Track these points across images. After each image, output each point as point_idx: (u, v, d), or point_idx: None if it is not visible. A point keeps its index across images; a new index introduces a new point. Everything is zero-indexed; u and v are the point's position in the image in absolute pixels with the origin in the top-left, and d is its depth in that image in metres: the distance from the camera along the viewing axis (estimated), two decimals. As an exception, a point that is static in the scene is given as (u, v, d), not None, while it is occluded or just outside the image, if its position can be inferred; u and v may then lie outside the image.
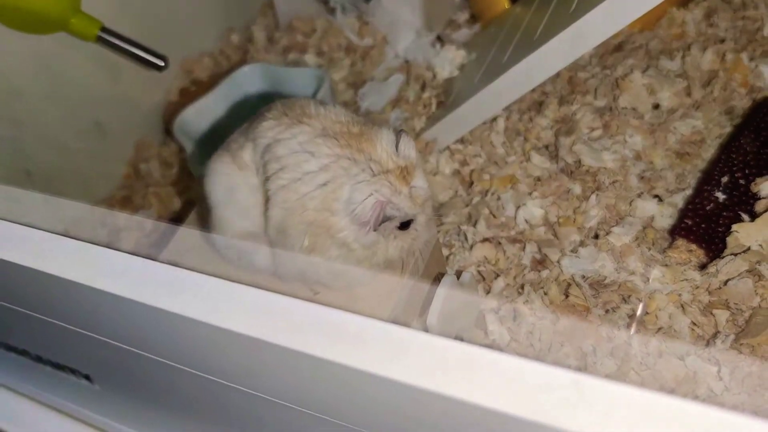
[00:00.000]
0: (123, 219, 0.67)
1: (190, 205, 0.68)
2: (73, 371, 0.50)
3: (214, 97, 0.67)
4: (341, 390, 0.33)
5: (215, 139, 0.67)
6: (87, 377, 0.50)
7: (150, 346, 0.40)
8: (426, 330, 0.44)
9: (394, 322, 0.42)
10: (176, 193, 0.70)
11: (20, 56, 0.62)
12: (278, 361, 0.33)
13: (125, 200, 0.71)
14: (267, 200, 0.43)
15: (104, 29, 0.61)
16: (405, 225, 0.42)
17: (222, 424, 0.47)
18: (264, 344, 0.32)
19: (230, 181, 0.46)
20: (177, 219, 0.67)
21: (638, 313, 0.48)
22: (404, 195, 0.41)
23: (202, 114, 0.66)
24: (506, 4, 0.73)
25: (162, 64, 0.63)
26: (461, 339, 0.47)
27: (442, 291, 0.45)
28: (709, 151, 0.59)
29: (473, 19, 0.79)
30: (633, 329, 0.47)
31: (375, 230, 0.41)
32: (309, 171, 0.42)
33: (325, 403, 0.36)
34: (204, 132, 0.67)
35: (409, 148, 0.42)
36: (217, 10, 0.83)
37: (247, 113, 0.67)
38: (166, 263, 0.37)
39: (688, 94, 0.63)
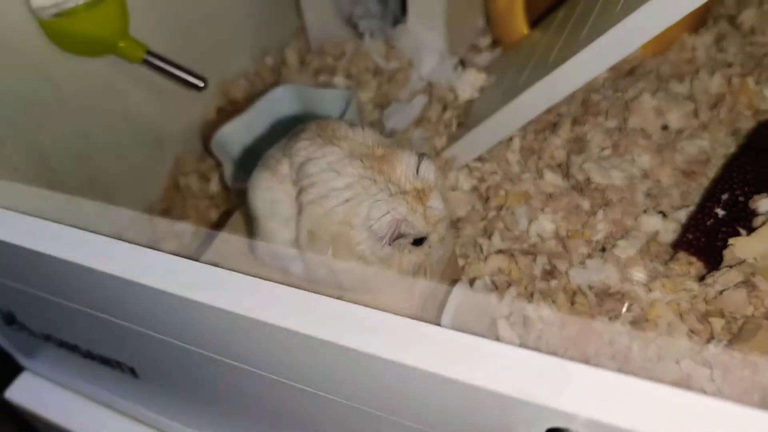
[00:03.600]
0: (163, 227, 0.72)
1: (227, 215, 0.73)
2: (120, 365, 0.55)
3: (249, 116, 0.72)
4: (359, 375, 0.37)
5: (250, 155, 0.72)
6: (132, 371, 0.55)
7: (192, 338, 0.45)
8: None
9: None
10: (213, 206, 0.75)
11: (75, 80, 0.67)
12: (311, 351, 0.38)
13: (165, 212, 0.76)
14: (299, 212, 0.48)
15: (149, 53, 0.66)
16: (419, 242, 0.46)
17: (252, 411, 0.51)
18: (300, 336, 0.37)
19: (272, 195, 0.50)
20: (214, 229, 0.72)
21: (623, 310, 0.52)
22: (419, 214, 0.45)
23: (238, 131, 0.71)
24: (525, 30, 0.77)
25: (201, 85, 0.68)
26: (473, 341, 0.51)
27: (455, 296, 0.50)
28: (713, 170, 0.62)
29: (495, 43, 0.83)
30: (619, 323, 0.50)
31: (390, 245, 0.46)
32: (335, 188, 0.46)
33: (331, 382, 0.40)
34: (240, 148, 0.72)
35: (428, 171, 0.46)
36: (253, 35, 0.89)
37: (280, 131, 0.72)
38: (210, 264, 0.41)
39: (696, 116, 0.66)
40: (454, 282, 0.52)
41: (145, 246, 0.43)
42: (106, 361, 0.56)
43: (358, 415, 0.40)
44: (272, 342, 0.39)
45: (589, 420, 0.29)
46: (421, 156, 0.47)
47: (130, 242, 0.43)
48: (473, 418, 0.34)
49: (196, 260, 0.42)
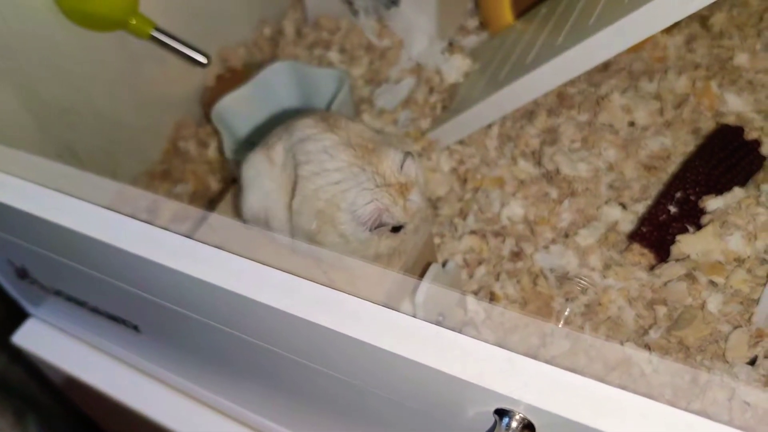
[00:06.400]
0: (164, 192, 0.77)
1: (223, 183, 0.78)
2: (124, 322, 0.61)
3: (248, 89, 0.76)
4: (333, 347, 0.43)
5: (247, 128, 0.77)
6: (135, 327, 0.61)
7: (190, 305, 0.50)
8: (414, 306, 0.54)
9: (388, 300, 0.53)
10: (210, 172, 0.80)
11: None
12: (287, 325, 0.44)
13: (165, 173, 0.82)
14: (295, 185, 0.54)
15: (157, 29, 0.71)
16: (396, 229, 0.52)
17: (234, 366, 0.58)
18: (278, 312, 0.43)
19: (258, 169, 0.56)
20: (211, 195, 0.78)
21: (566, 312, 0.58)
22: (400, 206, 0.51)
23: (237, 103, 0.76)
24: (511, 20, 0.82)
25: (205, 61, 0.73)
26: (443, 316, 0.58)
27: (429, 276, 0.56)
28: (673, 166, 0.68)
29: (482, 26, 0.88)
30: (561, 322, 0.57)
31: (371, 231, 0.52)
32: (326, 169, 0.52)
33: (314, 354, 0.46)
34: (238, 120, 0.76)
35: (411, 168, 0.52)
36: (252, 4, 0.92)
37: (276, 105, 0.77)
38: (208, 244, 0.47)
39: (661, 114, 0.71)
40: (428, 264, 0.58)
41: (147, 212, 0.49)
42: (111, 317, 0.62)
43: (337, 383, 0.47)
44: (254, 314, 0.45)
45: (530, 405, 0.36)
46: (406, 154, 0.53)
47: (136, 219, 0.49)
48: (435, 394, 0.41)
49: (194, 235, 0.48)
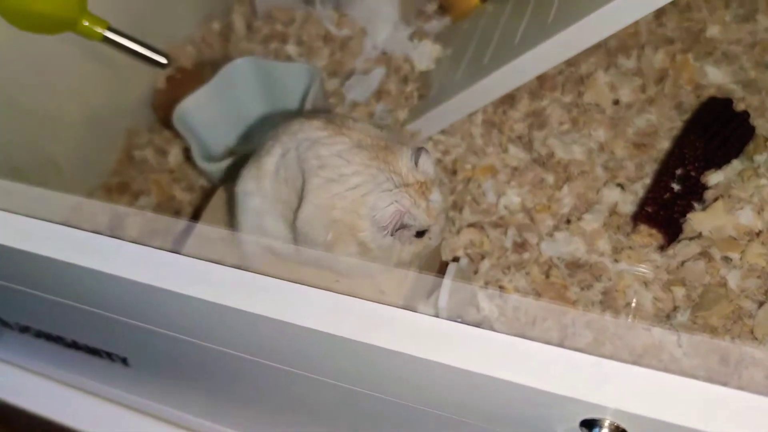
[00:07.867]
0: (125, 205, 0.71)
1: (189, 191, 0.73)
2: (109, 355, 0.55)
3: (209, 90, 0.71)
4: (361, 363, 0.39)
5: (215, 131, 0.71)
6: (124, 360, 0.55)
7: (183, 328, 0.45)
8: (438, 311, 0.50)
9: (407, 305, 0.49)
10: (173, 180, 0.74)
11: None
12: (300, 340, 0.39)
13: (122, 186, 0.75)
14: (302, 193, 0.49)
15: (110, 29, 0.64)
16: (420, 233, 0.49)
17: (240, 395, 0.53)
18: (288, 326, 0.38)
19: (246, 188, 0.52)
20: (177, 206, 0.72)
21: (632, 303, 0.56)
22: (422, 208, 0.47)
23: (199, 107, 0.70)
24: (476, 2, 0.79)
25: (165, 62, 0.66)
26: (461, 317, 0.55)
27: (449, 275, 0.52)
28: (661, 142, 0.67)
29: (441, 10, 0.85)
30: (630, 317, 0.55)
31: (392, 235, 0.48)
32: (343, 174, 0.48)
33: (329, 371, 0.42)
34: (203, 124, 0.70)
35: (427, 164, 0.48)
36: (196, -2, 0.86)
37: (241, 105, 0.72)
38: (195, 257, 0.42)
39: (643, 91, 0.70)
40: (443, 264, 0.54)
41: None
42: (93, 352, 0.56)
43: (383, 405, 0.43)
44: (264, 332, 0.40)
45: (620, 411, 0.33)
46: (419, 149, 0.49)
47: (107, 235, 0.43)
48: (508, 412, 0.37)
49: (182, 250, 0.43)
